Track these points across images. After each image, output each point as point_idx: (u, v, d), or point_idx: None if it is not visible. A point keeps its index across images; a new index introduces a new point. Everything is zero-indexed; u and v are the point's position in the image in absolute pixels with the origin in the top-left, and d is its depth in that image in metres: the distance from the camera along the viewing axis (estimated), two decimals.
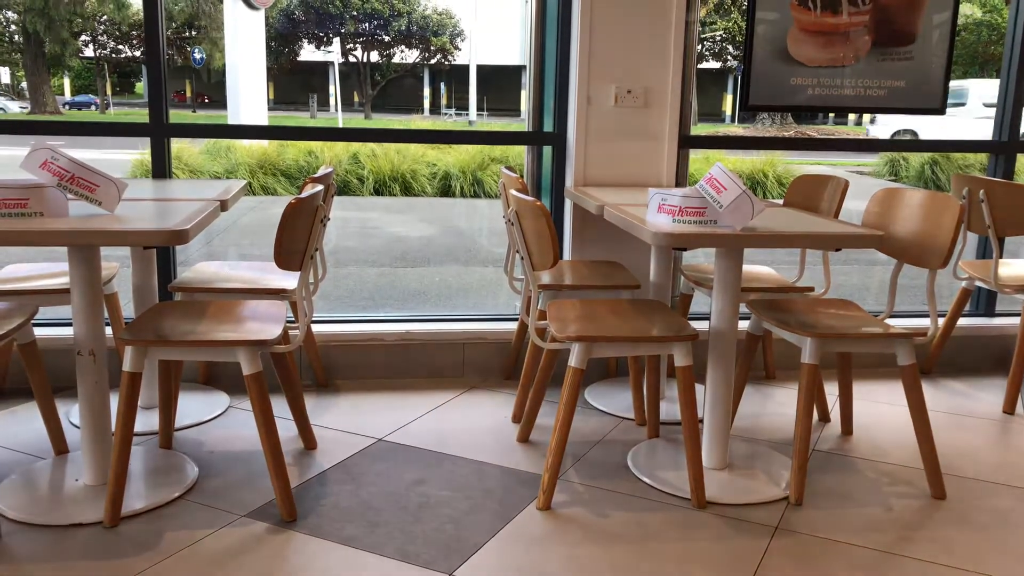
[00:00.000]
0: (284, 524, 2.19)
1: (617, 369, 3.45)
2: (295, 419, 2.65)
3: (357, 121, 27.28)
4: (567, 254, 3.41)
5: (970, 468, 2.66)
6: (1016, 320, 3.19)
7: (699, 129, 19.54)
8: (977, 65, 23.94)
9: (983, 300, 3.77)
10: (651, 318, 2.51)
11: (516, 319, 3.44)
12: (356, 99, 30.73)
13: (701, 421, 2.63)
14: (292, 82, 30.47)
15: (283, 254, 2.17)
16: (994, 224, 3.14)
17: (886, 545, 2.18)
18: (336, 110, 27.85)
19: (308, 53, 30.70)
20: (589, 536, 2.19)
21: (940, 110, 3.63)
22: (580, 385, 2.33)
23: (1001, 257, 3.38)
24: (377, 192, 10.26)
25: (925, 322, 2.42)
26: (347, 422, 2.89)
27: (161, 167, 3.20)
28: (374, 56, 30.81)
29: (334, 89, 28.54)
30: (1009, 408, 3.16)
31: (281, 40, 29.66)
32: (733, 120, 27.82)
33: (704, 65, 28.07)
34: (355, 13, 28.73)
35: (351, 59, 30.59)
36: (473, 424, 2.92)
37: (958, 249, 3.34)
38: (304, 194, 2.20)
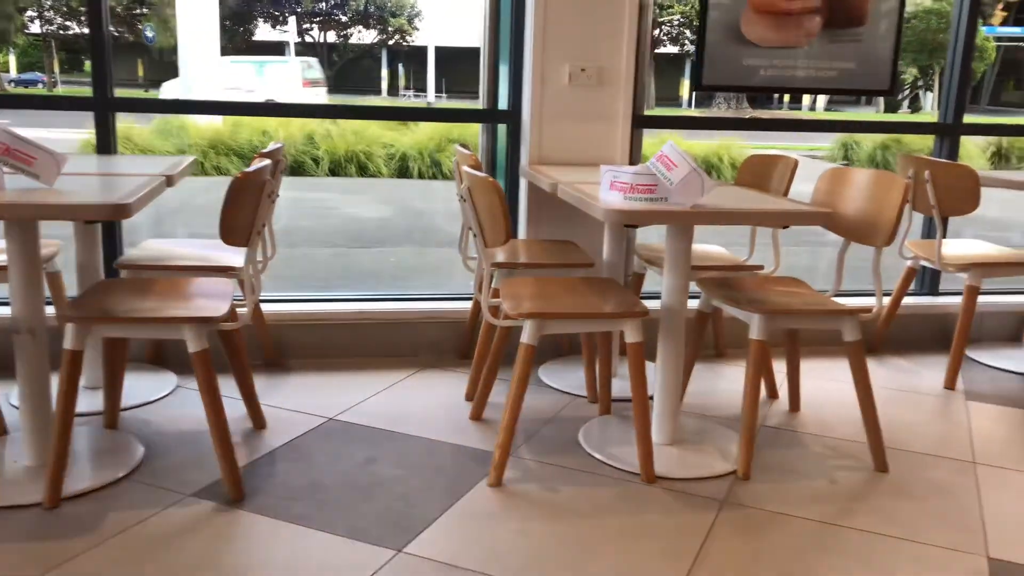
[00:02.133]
0: (231, 503, 2.16)
1: (571, 347, 3.46)
2: (244, 398, 2.62)
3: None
4: (522, 233, 3.41)
5: (912, 442, 2.72)
6: (959, 299, 3.26)
7: (658, 112, 19.63)
8: (927, 52, 24.39)
9: (928, 279, 3.86)
10: (603, 296, 2.52)
11: (471, 298, 3.43)
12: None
13: (652, 398, 2.65)
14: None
15: (229, 229, 2.13)
16: (938, 204, 3.20)
17: (829, 516, 2.22)
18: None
19: (264, 32, 30.19)
20: (539, 511, 2.20)
21: (890, 91, 3.69)
22: (532, 362, 2.33)
23: (945, 237, 3.45)
24: (333, 173, 10.16)
25: (872, 300, 2.48)
26: (298, 401, 2.86)
27: (106, 143, 3.12)
28: (331, 36, 30.41)
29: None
30: (950, 384, 3.24)
31: (235, 19, 29.12)
32: (690, 105, 27.99)
33: (662, 50, 28.19)
34: None
35: (307, 39, 30.16)
36: (426, 403, 2.91)
37: (904, 229, 3.40)
38: (250, 168, 2.16)
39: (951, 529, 2.18)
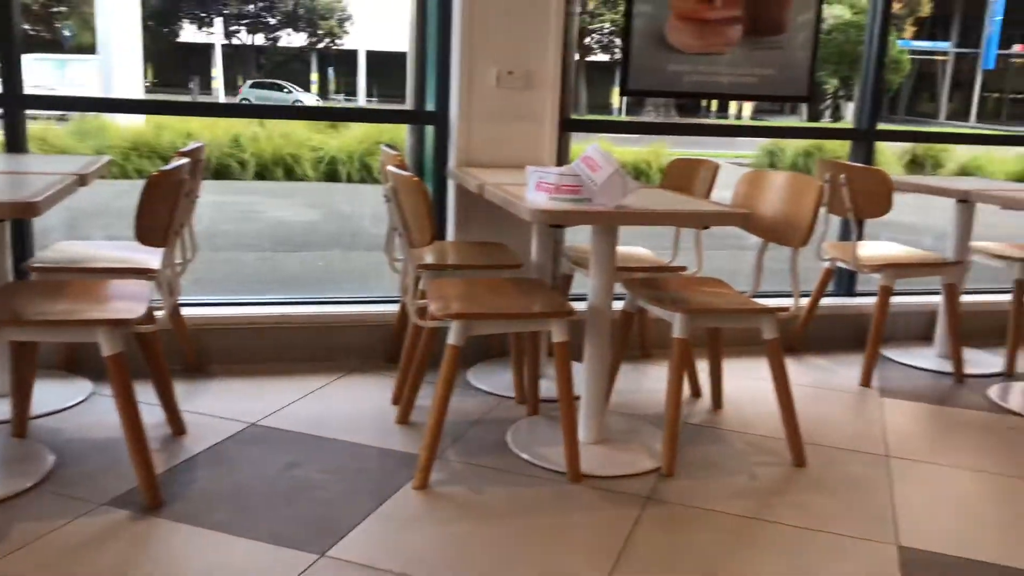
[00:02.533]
0: (148, 511, 2.10)
1: (499, 349, 3.46)
2: (162, 404, 2.55)
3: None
4: (450, 235, 3.40)
5: (828, 437, 2.80)
6: (874, 299, 3.38)
7: (587, 117, 19.85)
8: (847, 63, 25.23)
9: (845, 280, 3.98)
10: (530, 296, 2.53)
11: (398, 301, 3.40)
12: (241, 83, 29.75)
13: (579, 398, 2.67)
14: (172, 64, 29.21)
15: (145, 229, 2.07)
16: (854, 207, 3.31)
17: (750, 511, 2.27)
18: (220, 94, 26.88)
19: (190, 34, 29.51)
20: (465, 513, 2.19)
21: (808, 98, 3.80)
22: (458, 364, 2.32)
23: (861, 239, 3.57)
24: (259, 176, 9.98)
25: (790, 300, 2.55)
26: (219, 407, 2.80)
27: (15, 141, 3.00)
28: (259, 39, 29.91)
29: (217, 72, 27.52)
30: (865, 381, 3.35)
31: (159, 18, 28.40)
32: (621, 112, 28.39)
33: (593, 58, 28.52)
34: None
35: (235, 41, 29.60)
36: (351, 407, 2.87)
37: (822, 231, 3.50)
38: (168, 166, 2.11)
39: (864, 520, 2.25)
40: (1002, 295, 3.90)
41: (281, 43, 30.19)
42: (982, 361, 3.65)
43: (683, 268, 3.14)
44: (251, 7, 29.10)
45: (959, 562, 2.07)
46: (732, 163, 12.03)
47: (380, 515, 2.15)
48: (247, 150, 9.97)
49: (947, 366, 3.53)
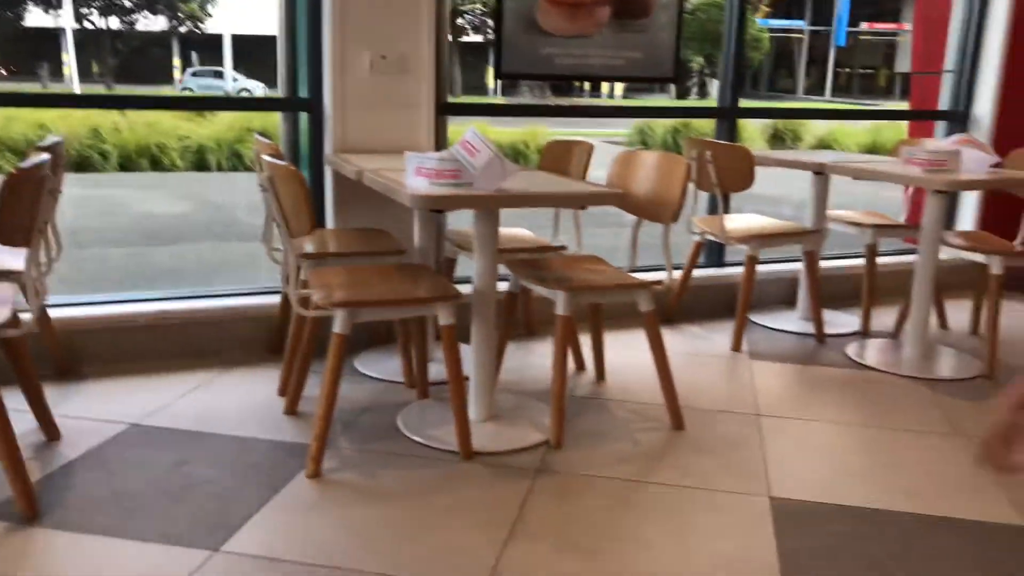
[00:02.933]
0: (25, 522, 2.02)
1: (386, 335, 3.47)
2: (33, 410, 2.44)
3: (98, 91, 25.00)
4: (330, 223, 3.37)
5: (704, 401, 2.96)
6: (742, 269, 3.57)
7: (462, 100, 19.85)
8: (710, 42, 26.16)
9: (714, 252, 4.18)
10: (415, 281, 2.55)
11: (279, 292, 3.35)
12: (96, 69, 28.16)
13: (467, 379, 2.72)
14: (19, 50, 27.33)
15: (6, 229, 1.97)
16: (719, 182, 3.48)
17: (634, 474, 2.38)
18: (72, 81, 25.39)
19: (37, 17, 27.67)
20: (360, 497, 2.21)
21: (674, 79, 3.95)
22: (345, 351, 2.33)
23: (728, 212, 3.75)
24: (123, 168, 9.53)
25: (665, 274, 2.69)
26: (96, 409, 2.70)
27: None
28: (115, 23, 28.34)
29: (68, 58, 25.96)
30: (736, 346, 3.54)
31: (2, 2, 26.50)
32: (497, 94, 28.50)
33: (467, 39, 28.48)
34: None
35: (88, 25, 27.95)
36: (237, 401, 2.82)
37: (691, 206, 3.67)
38: (27, 163, 2.01)
39: (739, 476, 2.40)
40: (857, 259, 4.19)
41: (139, 27, 28.70)
42: (841, 322, 3.92)
43: (563, 247, 3.23)
44: None
45: (826, 507, 2.24)
46: (606, 142, 12.32)
47: (274, 506, 2.14)
48: (108, 141, 9.50)
49: (810, 328, 3.77)
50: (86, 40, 27.60)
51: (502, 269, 2.73)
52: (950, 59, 4.56)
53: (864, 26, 34.63)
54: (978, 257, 3.42)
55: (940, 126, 4.64)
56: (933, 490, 2.33)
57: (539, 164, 3.44)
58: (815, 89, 34.20)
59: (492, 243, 2.55)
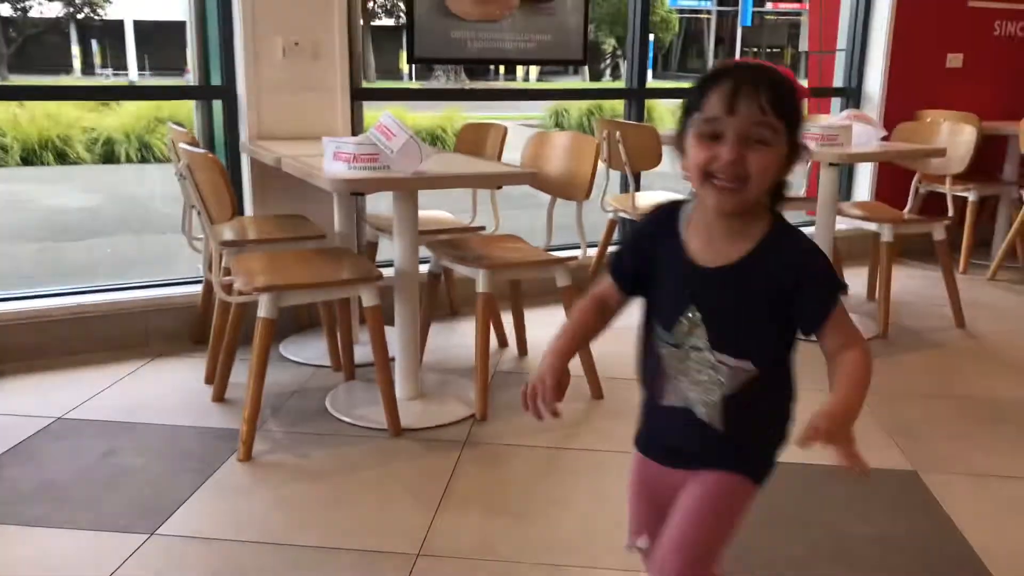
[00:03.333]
0: None
1: (310, 320, 3.50)
2: None
3: None
4: (248, 210, 3.38)
5: (621, 370, 3.07)
6: None
7: (377, 85, 19.65)
8: (622, 23, 26.50)
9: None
10: (338, 264, 2.61)
11: (201, 281, 3.35)
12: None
13: (393, 359, 2.79)
14: None
15: None
16: (629, 161, 3.61)
17: (557, 442, 2.50)
18: None
19: None
20: (293, 477, 2.27)
21: (583, 61, 4.07)
22: (271, 336, 2.37)
23: (638, 190, 3.90)
24: (25, 162, 9.18)
25: (580, 251, 2.82)
26: (18, 404, 2.67)
27: None
28: (6, 9, 27.01)
29: None
30: None
31: None
32: (411, 78, 28.31)
33: (378, 23, 28.16)
34: None
35: None
36: (163, 391, 2.83)
37: (604, 185, 3.80)
38: None
39: None
40: None
41: (32, 14, 27.43)
42: None
43: (482, 228, 3.32)
44: None
45: None
46: (522, 124, 12.43)
47: (207, 489, 2.18)
48: (7, 133, 9.14)
49: None
50: None
51: (423, 251, 2.81)
52: (842, 38, 4.81)
53: (769, 6, 35.58)
54: (871, 226, 3.65)
55: (836, 102, 4.89)
56: None
57: (455, 147, 3.52)
58: None
59: (412, 225, 2.62)
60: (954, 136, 3.68)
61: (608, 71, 30.65)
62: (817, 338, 1.22)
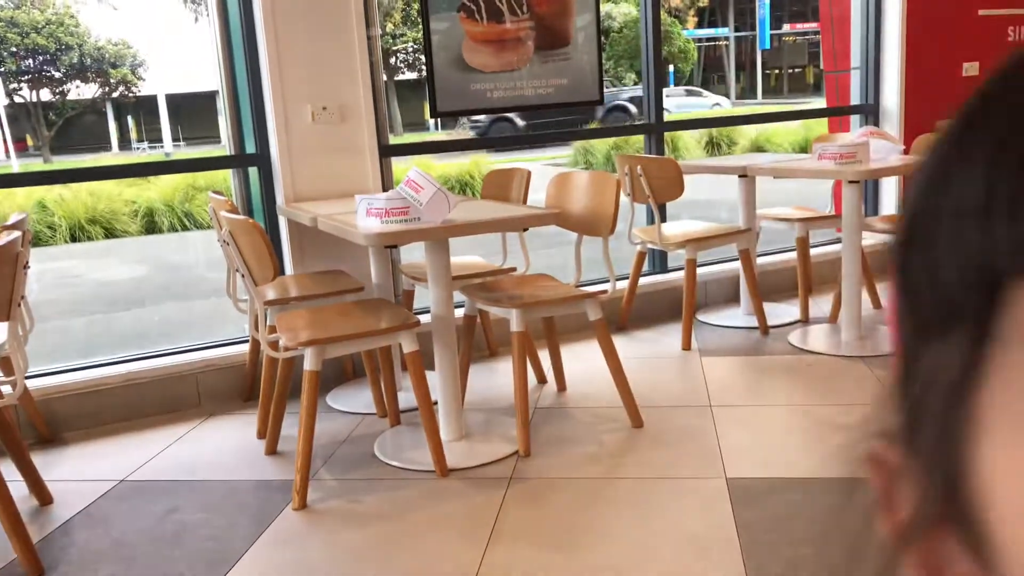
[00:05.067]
0: None
1: (354, 371, 3.61)
2: (23, 475, 2.54)
3: (37, 166, 24.76)
4: (288, 269, 3.51)
5: (660, 398, 3.15)
6: (683, 272, 3.78)
7: (405, 139, 20.07)
8: (637, 59, 26.77)
9: (656, 259, 4.40)
10: (377, 314, 2.71)
11: (247, 340, 3.48)
12: (31, 143, 27.85)
13: (436, 402, 2.87)
14: None
15: None
16: (652, 193, 3.70)
17: (602, 473, 2.56)
18: (9, 156, 25.08)
19: None
20: (346, 522, 2.35)
21: (599, 101, 4.18)
22: (318, 387, 2.47)
23: (664, 221, 3.97)
24: (74, 239, 9.53)
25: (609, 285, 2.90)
26: (83, 471, 2.80)
27: None
28: (45, 94, 28.10)
29: (4, 132, 25.65)
30: (686, 345, 3.75)
31: None
32: (437, 127, 28.78)
33: (401, 77, 28.75)
34: (15, 50, 26.06)
35: (17, 99, 27.67)
36: (218, 448, 2.95)
37: (631, 217, 3.89)
38: (1, 241, 2.14)
39: (697, 462, 2.58)
40: (790, 253, 4.44)
41: (71, 96, 28.49)
42: (782, 312, 4.15)
43: (513, 269, 3.42)
44: (30, 62, 27.31)
45: (777, 481, 2.44)
46: (548, 164, 12.60)
47: (266, 539, 2.27)
48: (56, 213, 9.49)
49: (753, 321, 4.00)
50: (17, 114, 27.33)
51: (458, 296, 2.91)
52: (855, 56, 4.87)
53: (787, 27, 35.70)
54: None
55: (855, 120, 4.93)
56: None
57: (481, 193, 3.64)
58: (748, 92, 35.09)
59: (445, 271, 2.73)
60: None
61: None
62: None
